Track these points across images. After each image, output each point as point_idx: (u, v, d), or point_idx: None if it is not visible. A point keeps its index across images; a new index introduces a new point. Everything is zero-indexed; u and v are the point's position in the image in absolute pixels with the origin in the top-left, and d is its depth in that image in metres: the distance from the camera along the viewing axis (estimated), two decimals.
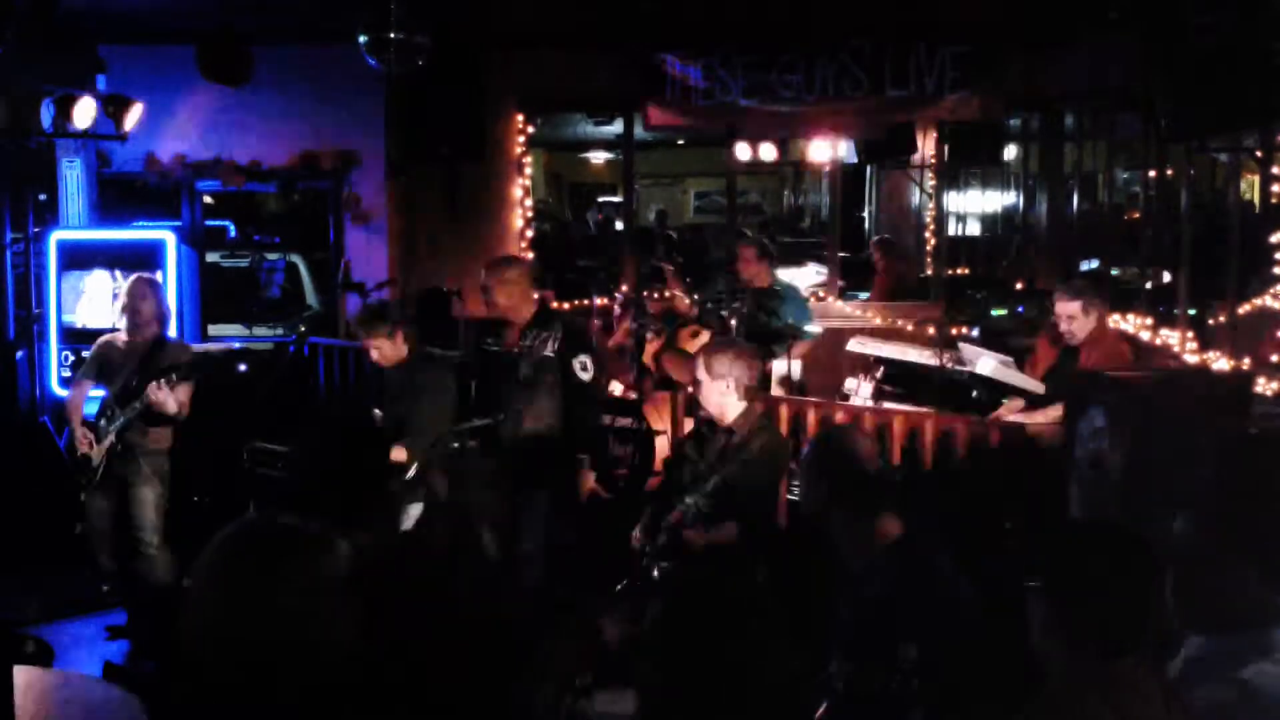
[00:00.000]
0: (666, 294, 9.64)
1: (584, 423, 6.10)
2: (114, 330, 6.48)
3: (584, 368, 5.91)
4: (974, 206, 13.34)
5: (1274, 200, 7.52)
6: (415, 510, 5.82)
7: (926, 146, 11.74)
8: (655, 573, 4.59)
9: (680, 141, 15.70)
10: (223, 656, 2.01)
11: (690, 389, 5.78)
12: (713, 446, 4.91)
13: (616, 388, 8.84)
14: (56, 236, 8.31)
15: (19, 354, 8.20)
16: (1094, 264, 10.63)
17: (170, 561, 6.11)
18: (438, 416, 5.95)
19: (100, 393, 6.31)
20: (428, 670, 2.85)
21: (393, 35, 7.35)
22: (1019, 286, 10.58)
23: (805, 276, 11.37)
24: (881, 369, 7.12)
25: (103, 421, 6.15)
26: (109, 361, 6.30)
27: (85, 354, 7.96)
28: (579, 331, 6.28)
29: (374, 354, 6.17)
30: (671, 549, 4.60)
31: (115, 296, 8.26)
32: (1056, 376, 6.39)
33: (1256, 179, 9.33)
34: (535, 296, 6.24)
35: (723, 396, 4.84)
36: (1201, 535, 2.88)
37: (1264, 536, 2.84)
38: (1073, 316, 6.32)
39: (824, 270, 11.08)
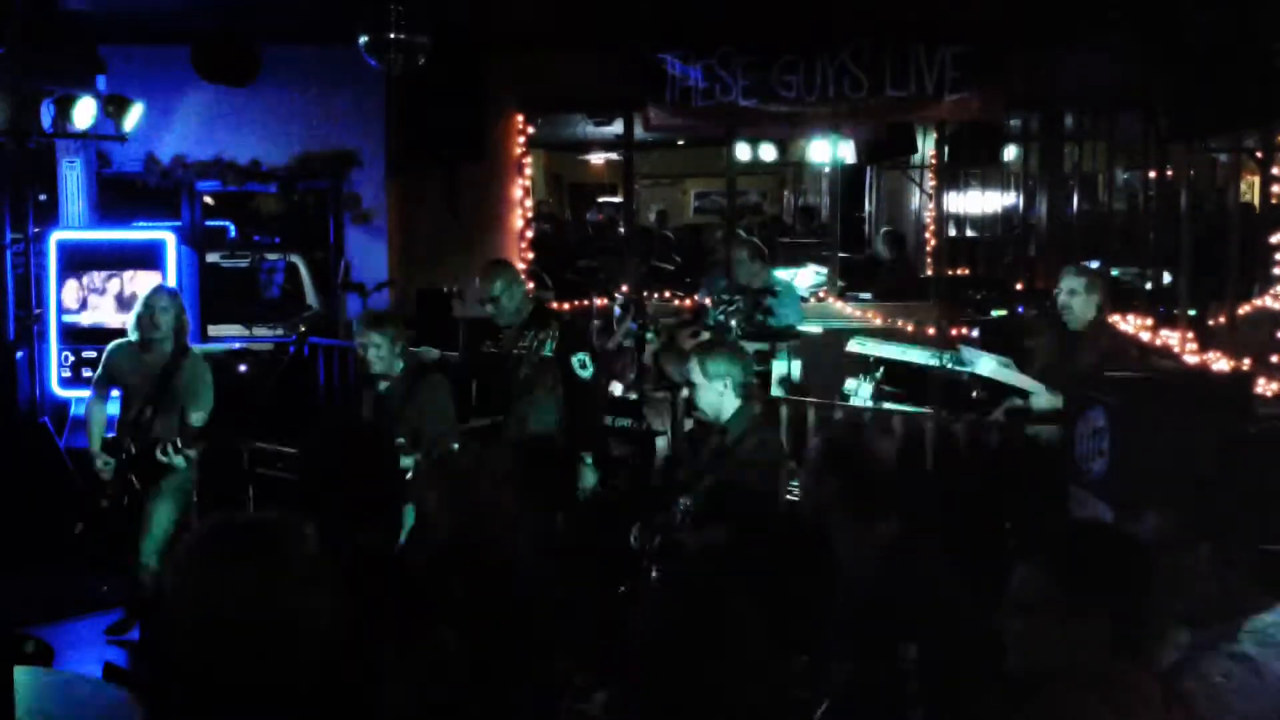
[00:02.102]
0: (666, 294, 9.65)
1: (585, 422, 6.10)
2: (122, 335, 6.39)
3: (583, 365, 5.90)
4: (974, 206, 13.33)
5: (1274, 200, 7.54)
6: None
7: (926, 146, 11.75)
8: (653, 574, 4.59)
9: (680, 141, 15.65)
10: (201, 645, 2.03)
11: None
12: (706, 447, 4.90)
13: (616, 388, 8.83)
14: (56, 236, 8.31)
15: (19, 354, 8.20)
16: (1094, 264, 10.62)
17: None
18: (448, 435, 5.82)
19: (117, 393, 6.30)
20: (426, 671, 2.86)
21: (393, 35, 7.35)
22: (1019, 286, 10.58)
23: (805, 277, 11.36)
24: (881, 369, 7.11)
25: (121, 456, 6.07)
26: (122, 371, 6.26)
27: (86, 354, 7.98)
28: (577, 331, 6.28)
29: (370, 353, 5.92)
30: (667, 551, 4.60)
31: (118, 297, 8.30)
32: (1056, 365, 6.25)
33: (1256, 179, 9.33)
34: (532, 298, 6.24)
35: (720, 397, 4.84)
36: (1200, 532, 2.89)
37: (1263, 534, 2.85)
38: (1074, 291, 6.11)
39: (824, 270, 11.08)
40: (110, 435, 6.25)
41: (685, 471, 4.93)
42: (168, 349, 6.16)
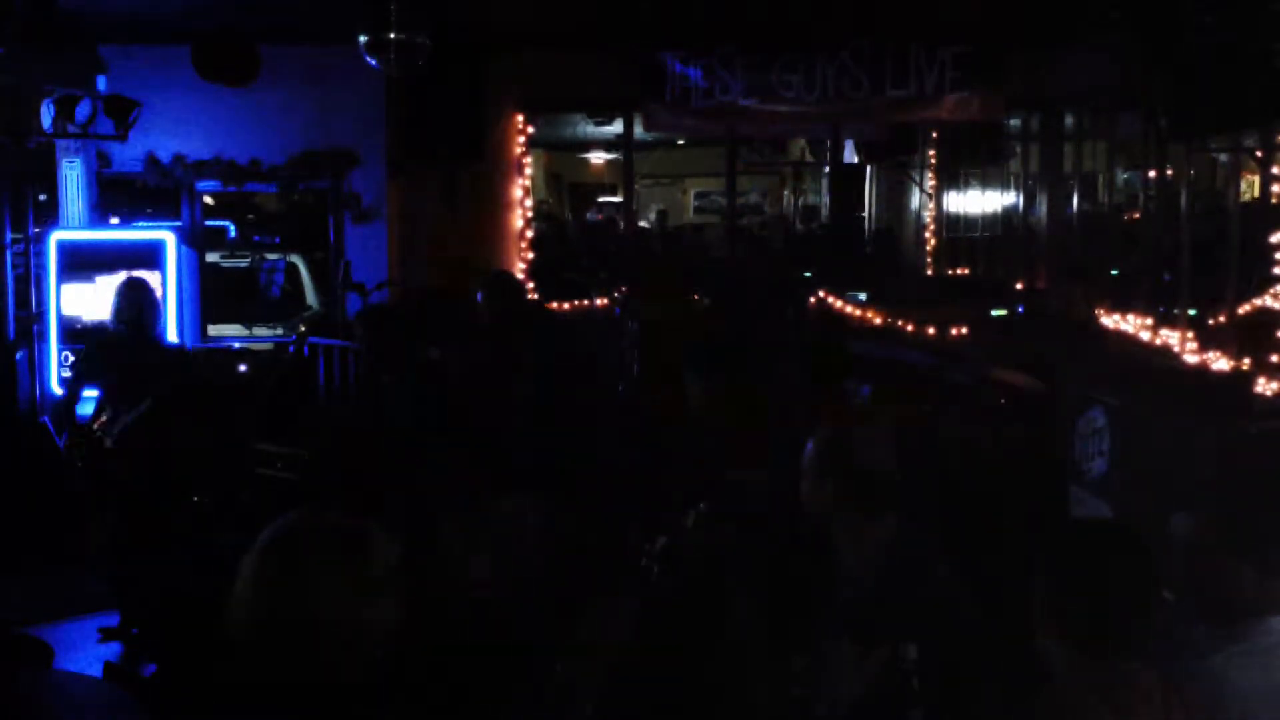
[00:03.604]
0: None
1: (584, 422, 6.11)
2: (105, 329, 6.44)
3: (582, 367, 5.92)
4: (974, 206, 13.33)
5: (1274, 200, 7.53)
6: None
7: (926, 146, 11.75)
8: (654, 575, 4.57)
9: (680, 141, 15.68)
10: (277, 649, 2.03)
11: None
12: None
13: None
14: (56, 236, 8.31)
15: (19, 354, 8.20)
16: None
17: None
18: None
19: (94, 393, 6.31)
20: (433, 671, 2.86)
21: (393, 35, 7.34)
22: (1019, 286, 10.58)
23: None
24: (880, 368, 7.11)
25: (102, 430, 6.10)
26: (103, 362, 6.28)
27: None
28: (577, 334, 6.29)
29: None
30: (670, 553, 4.59)
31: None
32: None
33: (1256, 179, 9.33)
34: (532, 300, 6.24)
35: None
36: (1201, 533, 2.89)
37: (1264, 535, 2.84)
38: None
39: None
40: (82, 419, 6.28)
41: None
42: (145, 337, 6.19)
